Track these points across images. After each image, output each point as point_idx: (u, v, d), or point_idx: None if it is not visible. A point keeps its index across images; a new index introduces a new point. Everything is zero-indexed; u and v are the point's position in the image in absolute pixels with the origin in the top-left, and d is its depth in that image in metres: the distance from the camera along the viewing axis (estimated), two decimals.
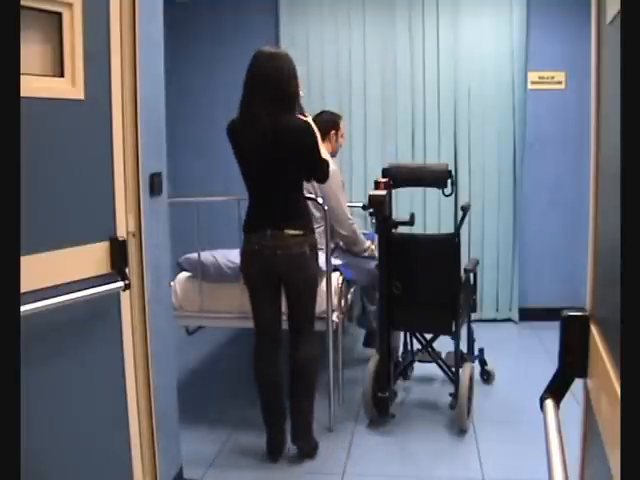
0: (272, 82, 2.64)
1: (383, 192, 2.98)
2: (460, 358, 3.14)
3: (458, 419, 3.02)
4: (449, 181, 3.07)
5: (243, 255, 2.78)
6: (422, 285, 3.03)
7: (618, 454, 0.68)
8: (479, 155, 4.75)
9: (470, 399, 3.11)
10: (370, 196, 3.01)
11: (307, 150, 2.70)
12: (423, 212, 4.74)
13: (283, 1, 4.88)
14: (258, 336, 2.87)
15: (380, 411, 3.15)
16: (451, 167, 4.71)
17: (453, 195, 3.27)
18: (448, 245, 2.99)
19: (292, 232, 2.68)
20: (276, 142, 2.62)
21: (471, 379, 3.11)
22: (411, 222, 3.15)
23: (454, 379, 3.15)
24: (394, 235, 3.10)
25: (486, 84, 4.71)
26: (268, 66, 2.65)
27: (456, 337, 3.08)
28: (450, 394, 3.20)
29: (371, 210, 3.06)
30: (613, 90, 0.85)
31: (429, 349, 3.27)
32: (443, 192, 3.12)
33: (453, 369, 3.17)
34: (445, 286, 2.98)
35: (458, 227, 3.05)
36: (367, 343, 4.02)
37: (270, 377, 2.84)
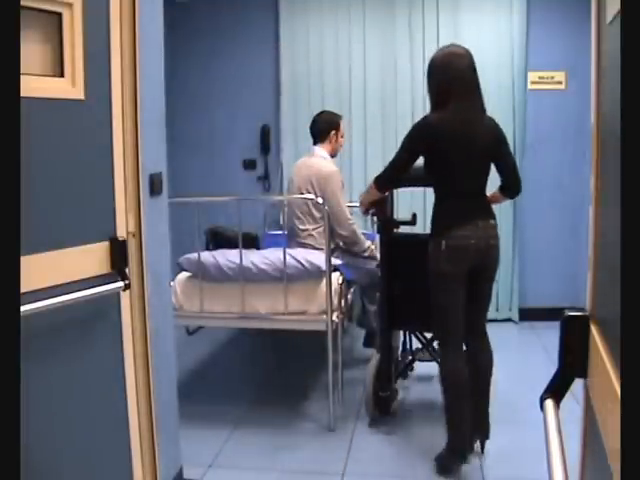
0: (470, 81, 2.63)
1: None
2: None
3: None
4: None
5: (450, 251, 2.61)
6: (422, 284, 2.97)
7: (618, 454, 0.68)
8: None
9: None
10: None
11: (504, 147, 2.75)
12: (423, 212, 4.73)
13: (283, 1, 4.88)
14: (452, 337, 2.70)
15: (382, 410, 3.15)
16: None
17: None
18: None
19: (493, 222, 2.70)
20: (481, 141, 2.64)
21: None
22: (413, 222, 3.13)
23: None
24: (395, 235, 3.10)
25: (486, 84, 4.64)
26: (463, 65, 2.62)
27: None
28: None
29: (373, 210, 3.04)
30: (613, 90, 0.85)
31: (429, 348, 3.26)
32: None
33: None
34: None
35: None
36: (367, 343, 4.02)
37: (465, 376, 2.68)
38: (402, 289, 3.03)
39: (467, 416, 2.67)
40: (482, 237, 2.63)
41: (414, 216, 3.14)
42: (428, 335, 3.24)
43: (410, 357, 3.51)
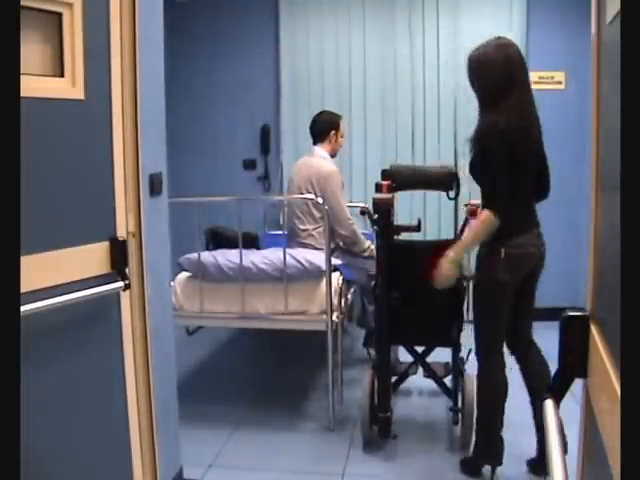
0: (526, 74, 2.48)
1: (389, 195, 2.72)
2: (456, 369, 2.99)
3: (464, 436, 2.86)
4: (454, 183, 2.87)
5: (509, 260, 2.43)
6: (423, 295, 2.74)
7: (618, 454, 0.68)
8: None
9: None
10: (375, 200, 2.71)
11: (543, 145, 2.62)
12: (423, 217, 4.71)
13: (283, 1, 4.89)
14: (498, 348, 2.59)
15: (382, 432, 2.88)
16: (451, 167, 4.71)
17: (453, 197, 3.12)
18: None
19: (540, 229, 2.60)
20: (536, 141, 2.52)
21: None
22: (418, 228, 2.92)
23: (453, 392, 3.03)
24: (398, 242, 2.91)
25: None
26: (518, 56, 2.46)
27: (457, 348, 2.92)
28: (451, 409, 3.07)
29: (375, 216, 2.77)
30: (613, 90, 0.85)
31: (423, 362, 3.06)
32: (448, 195, 2.93)
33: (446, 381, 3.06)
34: (447, 295, 2.70)
35: (461, 231, 2.86)
36: (367, 343, 4.02)
37: (506, 385, 2.63)
38: (403, 300, 2.76)
39: (500, 425, 2.63)
40: (537, 245, 2.55)
41: (419, 222, 2.95)
42: (419, 349, 3.05)
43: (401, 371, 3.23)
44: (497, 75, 2.41)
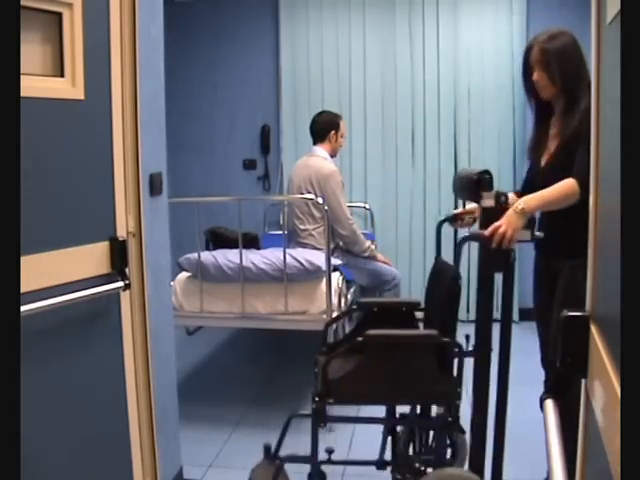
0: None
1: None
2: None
3: None
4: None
5: None
6: None
7: (618, 454, 0.68)
8: (479, 155, 4.75)
9: None
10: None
11: None
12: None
13: (283, 1, 4.89)
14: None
15: None
16: (450, 167, 4.72)
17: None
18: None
19: None
20: None
21: None
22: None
23: None
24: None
25: (486, 84, 4.71)
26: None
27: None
28: None
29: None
30: (613, 90, 0.85)
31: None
32: None
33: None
34: None
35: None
36: None
37: None
38: None
39: None
40: None
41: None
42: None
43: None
44: (586, 66, 2.07)
